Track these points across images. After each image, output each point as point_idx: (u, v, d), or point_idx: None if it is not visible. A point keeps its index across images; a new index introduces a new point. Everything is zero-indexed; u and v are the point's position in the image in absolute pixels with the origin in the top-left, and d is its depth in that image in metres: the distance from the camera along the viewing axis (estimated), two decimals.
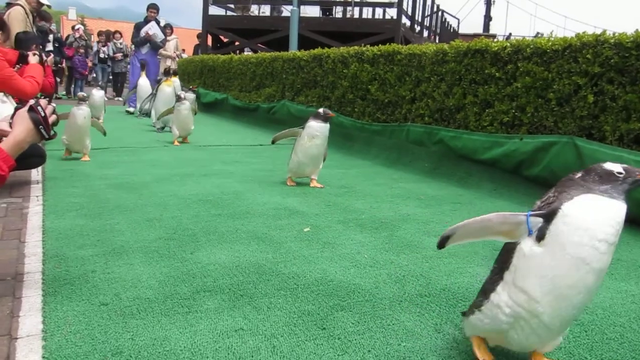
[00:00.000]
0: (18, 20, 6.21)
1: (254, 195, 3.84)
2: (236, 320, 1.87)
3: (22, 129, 1.84)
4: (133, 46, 11.54)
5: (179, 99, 6.40)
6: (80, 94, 5.11)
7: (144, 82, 9.42)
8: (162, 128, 7.74)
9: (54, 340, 1.70)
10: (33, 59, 3.97)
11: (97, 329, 1.78)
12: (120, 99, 14.60)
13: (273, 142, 4.41)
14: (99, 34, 15.76)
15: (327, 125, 4.08)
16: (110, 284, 2.15)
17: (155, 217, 3.16)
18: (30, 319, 1.84)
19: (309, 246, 2.74)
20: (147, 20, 10.63)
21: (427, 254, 2.69)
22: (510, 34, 23.16)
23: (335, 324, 1.87)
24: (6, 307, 1.93)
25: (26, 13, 6.50)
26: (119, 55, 14.66)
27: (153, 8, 10.67)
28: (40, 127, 1.86)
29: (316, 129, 4.03)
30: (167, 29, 12.01)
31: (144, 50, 10.68)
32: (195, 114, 6.73)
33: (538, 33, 18.72)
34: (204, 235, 2.84)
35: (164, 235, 2.82)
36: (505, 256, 1.51)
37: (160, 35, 10.71)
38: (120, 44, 14.92)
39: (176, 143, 6.42)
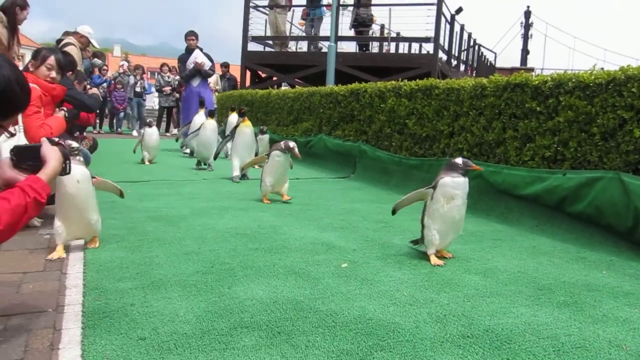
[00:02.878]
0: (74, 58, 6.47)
1: (291, 230, 3.83)
2: (274, 359, 1.84)
3: (57, 162, 1.94)
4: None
5: (274, 146, 5.02)
6: (68, 141, 2.97)
7: (199, 120, 8.32)
8: (244, 176, 6.53)
9: None
10: (58, 113, 4.08)
11: None
12: (168, 134, 14.66)
13: (394, 212, 3.38)
14: (136, 67, 15.55)
15: (467, 180, 3.17)
16: (149, 318, 2.16)
17: (193, 251, 3.18)
18: (70, 351, 1.85)
19: (347, 282, 2.69)
20: (188, 51, 9.78)
21: (468, 292, 2.61)
22: (594, 65, 22.35)
23: None
24: (47, 339, 1.95)
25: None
26: (168, 89, 14.44)
27: (191, 35, 9.79)
28: (67, 162, 1.99)
29: (454, 187, 3.11)
30: (223, 67, 12.16)
31: (195, 82, 9.78)
32: (291, 167, 5.13)
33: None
34: (241, 270, 2.83)
35: (201, 269, 2.82)
36: None
37: (207, 63, 9.75)
38: (168, 77, 14.64)
39: (266, 200, 4.97)
